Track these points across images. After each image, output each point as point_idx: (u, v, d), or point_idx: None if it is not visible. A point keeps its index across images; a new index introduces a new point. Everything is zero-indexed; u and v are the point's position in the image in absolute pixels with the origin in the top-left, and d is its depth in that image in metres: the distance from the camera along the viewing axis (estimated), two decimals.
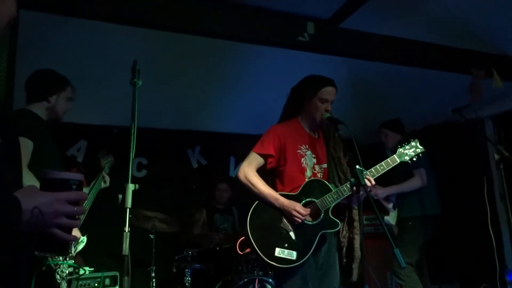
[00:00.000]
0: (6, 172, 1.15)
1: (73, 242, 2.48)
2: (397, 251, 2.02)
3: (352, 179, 2.50)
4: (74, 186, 1.12)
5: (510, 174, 3.08)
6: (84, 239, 2.61)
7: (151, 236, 4.06)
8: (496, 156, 3.02)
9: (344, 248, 2.73)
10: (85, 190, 2.82)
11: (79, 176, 1.14)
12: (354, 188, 2.47)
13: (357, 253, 2.67)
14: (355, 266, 2.67)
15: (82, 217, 2.64)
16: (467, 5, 3.72)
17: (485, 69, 3.85)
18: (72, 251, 2.52)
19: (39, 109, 2.59)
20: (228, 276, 3.99)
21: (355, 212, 2.72)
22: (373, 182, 2.57)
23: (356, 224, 2.70)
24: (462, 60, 3.90)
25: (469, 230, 4.64)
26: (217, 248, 4.33)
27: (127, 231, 1.66)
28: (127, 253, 1.63)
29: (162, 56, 4.19)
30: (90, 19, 2.96)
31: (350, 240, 2.72)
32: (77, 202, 1.12)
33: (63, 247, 1.16)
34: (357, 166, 2.43)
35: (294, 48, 3.46)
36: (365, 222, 4.87)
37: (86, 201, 2.74)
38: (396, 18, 3.97)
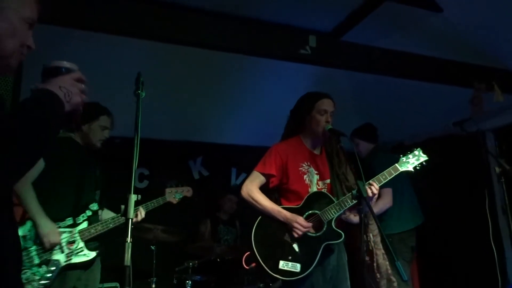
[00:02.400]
0: None
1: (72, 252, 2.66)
2: (398, 264, 2.01)
3: (354, 191, 2.50)
4: (64, 70, 1.34)
5: (511, 187, 3.07)
6: (90, 254, 2.72)
7: (152, 247, 4.05)
8: (497, 169, 3.02)
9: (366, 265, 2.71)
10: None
11: (70, 65, 1.36)
12: (356, 200, 2.47)
13: (382, 268, 2.65)
14: (383, 283, 2.65)
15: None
16: (468, 20, 3.75)
17: (486, 82, 3.86)
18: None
19: (77, 137, 2.90)
20: None
21: (372, 228, 2.71)
22: (377, 189, 2.56)
23: (376, 239, 2.69)
24: (464, 74, 3.92)
25: (471, 243, 4.61)
26: (218, 260, 4.32)
27: (129, 241, 1.66)
28: (128, 263, 1.63)
29: (165, 67, 4.22)
30: (95, 31, 3.00)
31: (371, 257, 2.70)
32: (81, 81, 1.34)
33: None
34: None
35: (296, 61, 3.49)
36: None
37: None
38: (398, 32, 4.00)
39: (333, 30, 4.04)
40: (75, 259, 2.64)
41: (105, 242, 2.87)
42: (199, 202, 5.55)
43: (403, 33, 4.00)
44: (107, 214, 2.94)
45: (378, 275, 2.69)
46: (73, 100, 1.28)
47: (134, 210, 2.79)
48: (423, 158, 2.71)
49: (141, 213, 2.96)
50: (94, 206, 2.85)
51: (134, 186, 1.85)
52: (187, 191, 3.37)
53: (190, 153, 5.74)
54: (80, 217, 2.75)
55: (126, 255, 1.62)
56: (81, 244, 2.68)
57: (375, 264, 2.70)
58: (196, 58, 4.03)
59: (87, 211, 2.79)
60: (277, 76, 4.54)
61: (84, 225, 2.74)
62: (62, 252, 2.61)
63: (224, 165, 5.84)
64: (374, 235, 2.69)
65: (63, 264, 2.59)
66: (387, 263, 2.65)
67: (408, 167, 2.69)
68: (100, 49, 3.89)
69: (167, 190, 3.25)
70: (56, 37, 3.51)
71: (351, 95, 5.22)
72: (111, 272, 3.88)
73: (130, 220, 1.73)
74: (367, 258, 2.71)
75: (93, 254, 2.71)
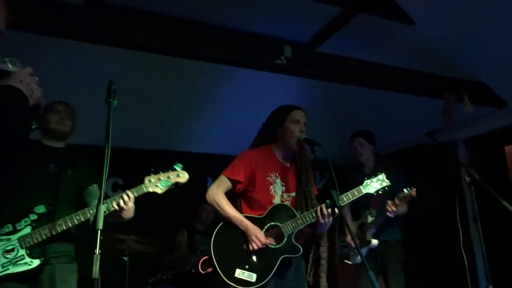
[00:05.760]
0: None
1: None
2: (371, 273, 2.02)
3: (328, 201, 2.53)
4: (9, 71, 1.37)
5: (481, 196, 3.14)
6: (33, 262, 2.40)
7: (125, 258, 3.97)
8: (467, 179, 3.07)
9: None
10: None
11: (14, 62, 1.39)
12: (330, 210, 2.51)
13: None
14: None
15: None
16: (439, 32, 3.86)
17: (456, 94, 3.96)
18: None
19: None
20: None
21: (322, 250, 2.75)
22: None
23: (323, 262, 2.73)
24: (435, 85, 4.01)
25: (442, 252, 4.69)
26: (193, 271, 4.26)
27: (97, 253, 1.63)
28: (97, 276, 1.59)
29: (138, 75, 4.19)
30: (67, 38, 2.95)
31: (317, 279, 2.73)
32: (32, 74, 1.37)
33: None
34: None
35: (271, 70, 3.51)
36: (342, 244, 4.86)
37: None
38: (372, 44, 4.09)
39: (308, 40, 4.10)
40: (14, 269, 2.34)
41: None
42: (175, 211, 5.50)
43: (377, 45, 4.09)
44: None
45: None
46: (35, 94, 1.30)
47: (118, 197, 2.43)
48: (386, 183, 2.85)
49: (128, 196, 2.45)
50: (41, 209, 2.50)
51: (107, 196, 1.81)
52: (177, 176, 2.69)
53: (165, 162, 5.64)
54: (22, 222, 2.43)
55: (94, 267, 1.59)
56: (21, 252, 2.37)
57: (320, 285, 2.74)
58: (171, 66, 4.01)
59: (30, 215, 2.45)
60: (253, 85, 4.56)
61: (27, 230, 2.41)
62: None
63: (200, 174, 5.79)
64: (322, 258, 2.74)
65: None
66: (327, 286, 2.71)
67: (370, 190, 2.80)
68: (73, 56, 3.83)
69: (147, 179, 2.62)
70: (27, 44, 3.45)
71: (326, 105, 5.28)
72: (80, 284, 3.80)
73: (99, 231, 1.69)
74: (309, 279, 2.74)
75: (36, 262, 2.39)
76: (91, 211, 2.45)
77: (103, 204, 1.82)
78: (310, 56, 3.72)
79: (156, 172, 2.65)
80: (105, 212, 1.80)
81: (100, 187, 1.84)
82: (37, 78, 1.35)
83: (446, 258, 4.57)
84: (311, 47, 4.07)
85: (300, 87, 4.49)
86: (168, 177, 2.67)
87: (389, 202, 3.61)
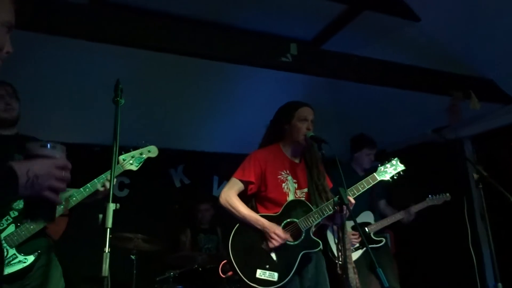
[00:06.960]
0: None
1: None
2: (379, 270, 2.01)
3: (336, 198, 2.51)
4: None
5: (489, 194, 3.12)
6: (28, 258, 2.34)
7: (133, 257, 3.99)
8: (475, 176, 3.05)
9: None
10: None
11: (52, 150, 1.23)
12: (337, 207, 2.49)
13: (352, 282, 2.65)
14: None
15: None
16: (445, 29, 3.84)
17: (463, 91, 3.94)
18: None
19: None
20: None
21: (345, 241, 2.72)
22: (353, 201, 2.59)
23: (348, 253, 2.70)
24: (441, 82, 3.99)
25: (450, 249, 4.67)
26: (200, 269, 4.27)
27: (107, 251, 1.63)
28: (106, 274, 1.60)
29: (145, 75, 4.20)
30: (73, 37, 2.96)
31: (346, 271, 2.71)
32: (64, 168, 1.22)
33: (51, 213, 1.23)
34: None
35: (277, 68, 3.50)
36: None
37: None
38: (377, 40, 4.07)
39: (314, 38, 4.09)
40: (9, 269, 2.26)
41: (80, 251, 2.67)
42: (181, 210, 5.51)
43: (382, 42, 4.07)
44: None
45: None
46: (36, 188, 1.15)
47: (101, 182, 2.43)
48: (400, 168, 2.78)
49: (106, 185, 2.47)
50: (20, 204, 2.35)
51: (114, 195, 1.82)
52: (148, 152, 2.71)
53: (171, 161, 5.69)
54: (3, 221, 2.31)
55: (104, 265, 1.59)
56: (12, 251, 2.30)
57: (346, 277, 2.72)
58: (175, 65, 4.01)
59: (10, 213, 2.34)
60: (258, 84, 4.55)
61: (10, 229, 2.31)
62: None
63: (206, 173, 5.81)
64: (347, 249, 2.71)
65: None
66: (357, 276, 2.69)
67: (385, 177, 2.75)
68: (78, 55, 3.84)
69: (121, 157, 2.59)
70: (34, 43, 3.46)
71: (332, 103, 5.27)
72: (89, 282, 3.82)
73: (108, 229, 1.70)
74: (339, 272, 2.72)
75: (30, 258, 2.33)
76: (74, 198, 2.44)
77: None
78: (316, 54, 3.71)
79: (128, 151, 2.65)
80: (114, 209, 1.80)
81: None
82: (64, 173, 1.20)
83: (454, 255, 4.55)
84: (317, 44, 4.07)
85: (305, 84, 4.48)
86: (141, 154, 2.69)
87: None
